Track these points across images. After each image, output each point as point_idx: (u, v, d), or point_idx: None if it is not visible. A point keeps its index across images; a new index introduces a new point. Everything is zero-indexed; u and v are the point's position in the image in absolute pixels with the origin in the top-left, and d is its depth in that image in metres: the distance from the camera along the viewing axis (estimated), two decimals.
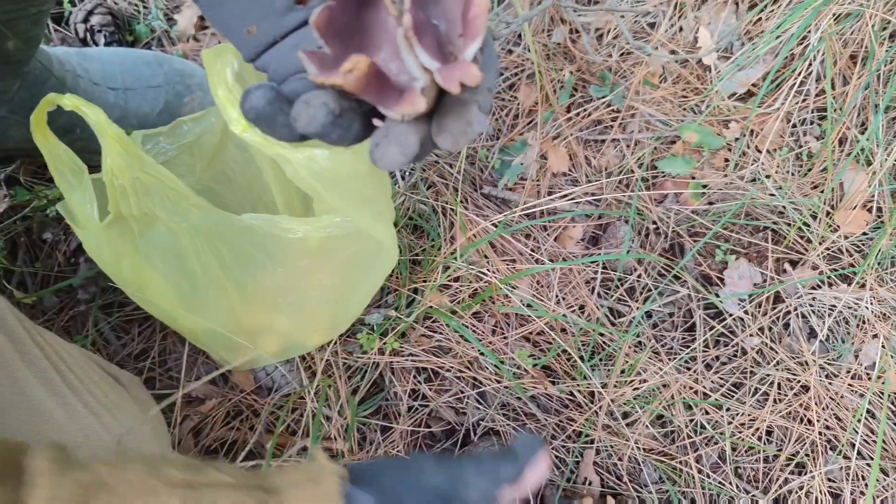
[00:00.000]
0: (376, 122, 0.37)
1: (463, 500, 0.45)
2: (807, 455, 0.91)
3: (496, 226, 0.95)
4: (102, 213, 0.68)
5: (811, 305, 0.97)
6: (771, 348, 0.95)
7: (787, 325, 0.97)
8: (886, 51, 1.02)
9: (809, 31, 1.03)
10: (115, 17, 1.06)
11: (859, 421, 0.91)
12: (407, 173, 0.99)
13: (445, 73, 0.35)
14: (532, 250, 0.96)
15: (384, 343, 0.89)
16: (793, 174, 1.03)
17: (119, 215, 0.65)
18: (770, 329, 0.96)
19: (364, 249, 0.74)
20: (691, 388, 0.91)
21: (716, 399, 0.91)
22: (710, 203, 1.01)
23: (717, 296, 0.97)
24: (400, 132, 0.35)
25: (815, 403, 0.92)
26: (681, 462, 0.89)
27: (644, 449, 0.89)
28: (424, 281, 0.92)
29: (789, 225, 1.00)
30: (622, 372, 0.91)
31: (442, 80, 0.34)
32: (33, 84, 0.88)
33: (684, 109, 1.05)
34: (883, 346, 0.95)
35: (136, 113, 0.96)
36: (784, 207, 1.01)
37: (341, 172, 0.59)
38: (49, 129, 0.64)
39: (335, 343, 0.89)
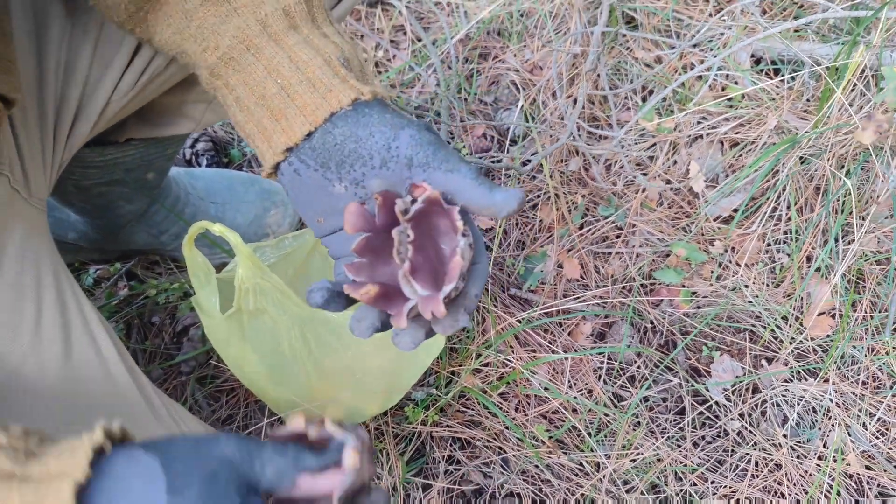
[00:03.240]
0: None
1: (256, 473, 0.45)
2: None
3: (520, 322, 1.16)
4: (221, 306, 0.90)
5: (784, 395, 1.16)
6: (749, 431, 1.13)
7: (763, 412, 1.15)
8: (841, 185, 1.24)
9: (779, 169, 1.26)
10: (215, 144, 1.32)
11: (823, 495, 1.08)
12: None
13: (423, 303, 0.49)
14: (549, 342, 1.17)
15: (426, 415, 1.09)
16: (767, 285, 1.23)
17: (239, 309, 0.87)
18: (749, 415, 1.15)
19: None
20: (681, 462, 1.09)
21: (702, 472, 1.09)
22: (698, 307, 1.22)
23: (704, 385, 1.16)
24: (413, 329, 0.53)
25: (787, 479, 1.09)
26: None
27: None
28: (460, 365, 1.13)
29: (764, 327, 1.20)
30: (623, 446, 1.09)
31: (421, 308, 0.50)
32: (158, 200, 1.12)
33: (676, 228, 1.28)
34: (844, 432, 1.12)
35: (231, 223, 1.19)
36: (760, 313, 1.21)
37: None
38: (194, 243, 0.87)
39: (386, 414, 1.09)
